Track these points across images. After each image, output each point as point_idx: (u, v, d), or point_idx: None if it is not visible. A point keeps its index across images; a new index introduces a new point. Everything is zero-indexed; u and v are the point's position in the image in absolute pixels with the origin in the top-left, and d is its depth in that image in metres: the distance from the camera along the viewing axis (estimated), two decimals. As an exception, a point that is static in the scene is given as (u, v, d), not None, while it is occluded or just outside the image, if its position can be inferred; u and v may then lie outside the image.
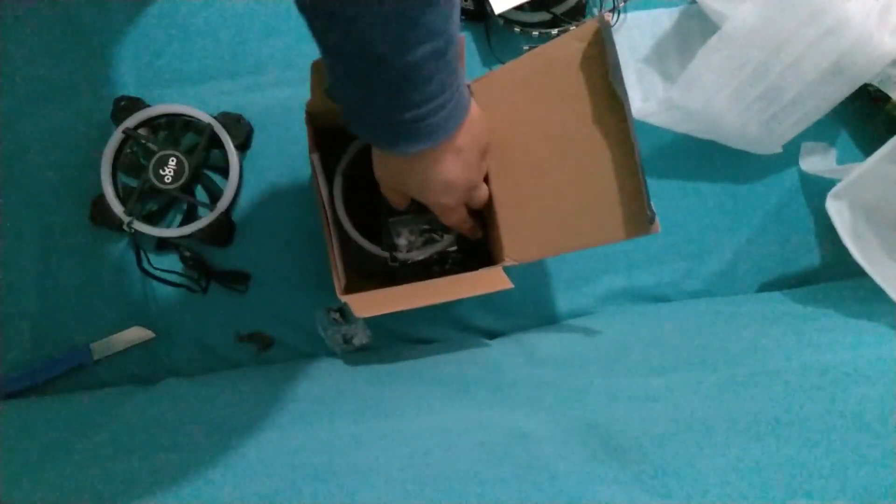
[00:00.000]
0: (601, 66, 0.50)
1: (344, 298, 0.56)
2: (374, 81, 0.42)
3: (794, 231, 0.74)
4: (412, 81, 0.42)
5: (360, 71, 0.42)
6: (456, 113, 0.48)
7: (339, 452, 0.44)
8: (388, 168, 0.52)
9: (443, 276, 0.64)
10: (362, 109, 0.46)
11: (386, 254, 0.61)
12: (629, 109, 0.49)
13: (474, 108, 0.51)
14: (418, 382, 0.56)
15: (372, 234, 0.62)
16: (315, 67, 0.51)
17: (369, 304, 0.56)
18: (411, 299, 0.56)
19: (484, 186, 0.58)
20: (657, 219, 0.49)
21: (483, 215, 0.64)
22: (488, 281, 0.57)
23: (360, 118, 0.47)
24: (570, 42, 0.52)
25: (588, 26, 0.51)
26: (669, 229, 0.72)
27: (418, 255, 0.62)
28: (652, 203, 0.49)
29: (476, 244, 0.64)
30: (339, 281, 0.57)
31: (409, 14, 0.39)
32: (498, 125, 0.58)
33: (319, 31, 0.41)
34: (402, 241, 0.62)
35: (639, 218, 0.50)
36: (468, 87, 0.52)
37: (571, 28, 0.70)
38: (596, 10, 0.71)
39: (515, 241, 0.59)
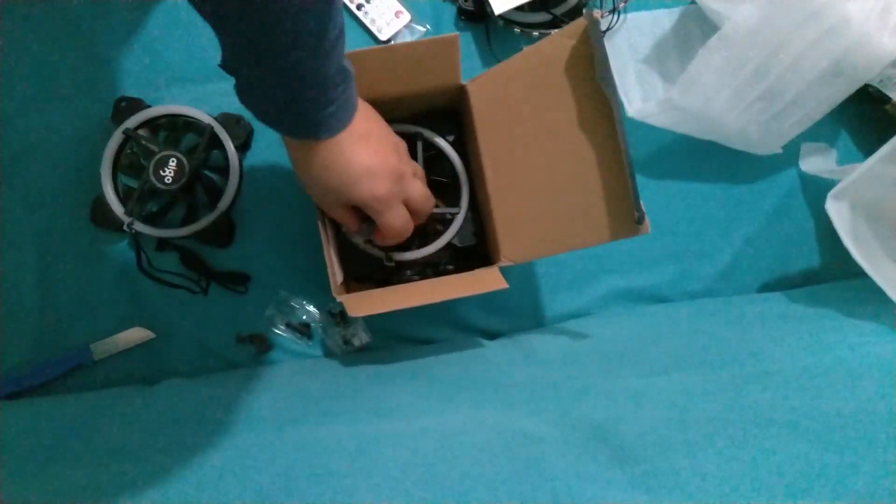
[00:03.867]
0: (591, 64, 0.50)
1: (339, 298, 0.56)
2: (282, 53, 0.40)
3: (794, 231, 0.74)
4: (322, 52, 0.41)
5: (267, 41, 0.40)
6: (353, 98, 0.47)
7: (338, 453, 0.44)
8: (308, 172, 0.50)
9: (437, 276, 0.64)
10: (265, 89, 0.44)
11: (382, 254, 0.61)
12: (617, 108, 0.48)
13: (363, 103, 0.51)
14: (418, 383, 0.56)
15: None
16: None
17: (364, 303, 0.56)
18: (406, 299, 0.56)
19: (418, 183, 0.56)
20: (647, 219, 0.49)
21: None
22: (483, 281, 0.56)
23: (263, 100, 0.46)
24: (561, 40, 0.52)
25: (578, 24, 0.50)
26: (669, 229, 0.72)
27: (415, 256, 0.62)
28: (641, 203, 0.49)
29: (473, 246, 0.64)
30: (333, 279, 0.57)
31: None
32: (493, 124, 0.58)
33: None
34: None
35: (627, 218, 0.50)
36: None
37: (571, 29, 0.70)
38: (596, 11, 0.71)
39: (511, 242, 0.59)
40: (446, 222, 0.63)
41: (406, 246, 0.62)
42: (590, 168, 0.52)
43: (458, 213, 0.63)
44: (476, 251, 0.65)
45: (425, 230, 0.64)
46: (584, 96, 0.52)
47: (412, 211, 0.55)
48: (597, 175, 0.52)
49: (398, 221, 0.54)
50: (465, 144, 0.64)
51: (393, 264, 0.61)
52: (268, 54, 0.41)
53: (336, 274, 0.58)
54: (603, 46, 0.48)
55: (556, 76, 0.53)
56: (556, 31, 0.69)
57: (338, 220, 0.56)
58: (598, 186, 0.52)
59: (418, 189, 0.55)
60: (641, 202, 0.49)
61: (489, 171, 0.59)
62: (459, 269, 0.64)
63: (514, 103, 0.56)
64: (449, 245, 0.63)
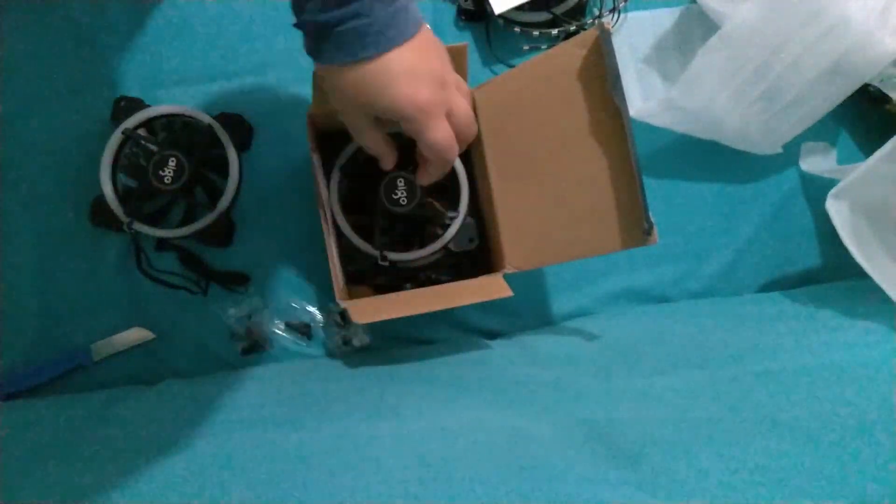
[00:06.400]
0: (601, 75, 0.50)
1: (343, 304, 0.56)
2: None
3: (794, 231, 0.74)
4: None
5: None
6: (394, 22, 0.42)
7: (339, 453, 0.44)
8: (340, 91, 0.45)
9: (433, 281, 0.64)
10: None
11: (377, 253, 0.61)
12: (628, 119, 0.49)
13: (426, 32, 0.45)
14: (418, 383, 0.56)
15: (367, 235, 0.62)
16: (316, 76, 0.51)
17: (368, 310, 0.56)
18: (410, 306, 0.56)
19: (461, 97, 0.48)
20: (655, 230, 0.49)
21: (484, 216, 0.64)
22: (488, 289, 0.57)
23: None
24: (571, 49, 0.52)
25: (588, 34, 0.51)
26: (670, 230, 0.72)
27: (410, 257, 0.62)
28: (651, 214, 0.49)
29: (470, 251, 0.64)
30: (337, 284, 0.57)
31: None
32: (499, 131, 0.58)
33: None
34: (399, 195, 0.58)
35: (636, 229, 0.50)
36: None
37: (572, 28, 0.70)
38: (596, 10, 0.71)
39: (516, 249, 0.59)
40: (444, 226, 0.63)
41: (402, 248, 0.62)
42: (598, 177, 0.52)
43: (456, 217, 0.63)
44: (475, 257, 0.65)
45: (423, 233, 0.64)
46: (594, 106, 0.52)
47: (454, 131, 0.48)
48: (606, 184, 0.52)
49: (443, 134, 0.46)
50: (467, 151, 0.64)
51: (387, 263, 0.61)
52: None
53: (339, 278, 0.58)
54: (614, 58, 0.48)
55: (565, 85, 0.53)
56: (564, 32, 0.70)
57: (371, 149, 0.50)
58: (606, 195, 0.52)
59: (462, 103, 0.47)
60: (650, 212, 0.49)
61: (494, 177, 0.59)
62: (457, 275, 0.64)
63: (522, 111, 0.56)
64: (446, 250, 0.63)
